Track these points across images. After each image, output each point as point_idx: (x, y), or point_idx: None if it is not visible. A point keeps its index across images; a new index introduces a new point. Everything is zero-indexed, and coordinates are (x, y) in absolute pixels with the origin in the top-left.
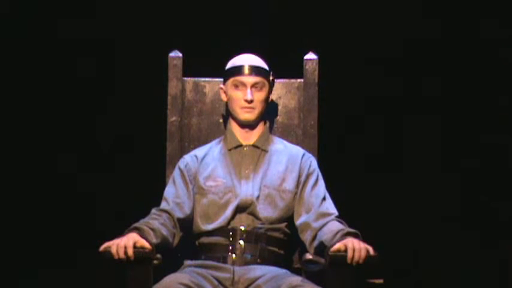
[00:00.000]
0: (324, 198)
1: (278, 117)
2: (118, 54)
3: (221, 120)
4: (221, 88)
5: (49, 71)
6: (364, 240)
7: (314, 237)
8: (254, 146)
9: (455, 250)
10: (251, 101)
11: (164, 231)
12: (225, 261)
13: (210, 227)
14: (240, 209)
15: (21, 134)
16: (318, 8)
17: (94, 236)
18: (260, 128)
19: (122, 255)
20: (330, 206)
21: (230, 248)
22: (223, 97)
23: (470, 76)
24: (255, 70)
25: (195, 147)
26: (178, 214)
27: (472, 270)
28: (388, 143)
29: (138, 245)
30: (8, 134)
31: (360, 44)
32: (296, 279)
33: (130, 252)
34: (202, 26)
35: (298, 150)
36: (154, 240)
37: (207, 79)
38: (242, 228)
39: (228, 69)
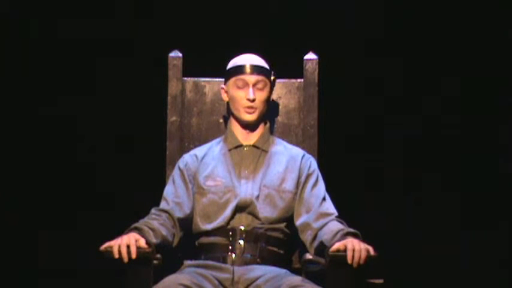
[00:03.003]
0: (323, 199)
1: (278, 117)
2: (118, 54)
3: (221, 120)
4: (222, 88)
5: (49, 70)
6: (364, 240)
7: (314, 238)
8: (254, 146)
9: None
10: (253, 100)
11: (164, 231)
12: (224, 261)
13: (209, 226)
14: (240, 208)
15: (22, 135)
16: (318, 8)
17: (94, 236)
18: (261, 129)
19: (124, 254)
20: (329, 206)
21: (230, 247)
22: (225, 97)
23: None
24: (257, 69)
25: (195, 147)
26: (178, 214)
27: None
28: (388, 142)
29: (138, 244)
30: (7, 134)
31: (360, 44)
32: (296, 279)
33: (133, 250)
34: (202, 26)
35: (298, 151)
36: (154, 240)
37: (207, 79)
38: (242, 228)
39: (229, 69)
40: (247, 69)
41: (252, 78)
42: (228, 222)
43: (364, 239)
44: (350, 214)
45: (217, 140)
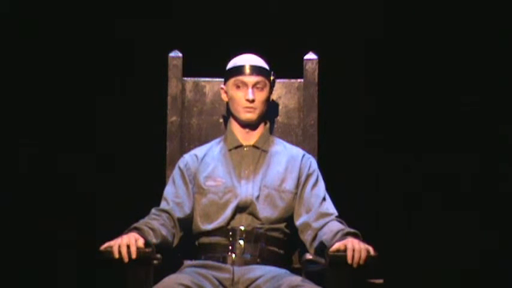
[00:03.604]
0: (323, 199)
1: (278, 117)
2: (118, 54)
3: (221, 120)
4: (222, 88)
5: (48, 70)
6: (364, 240)
7: (314, 237)
8: (254, 146)
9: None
10: (252, 101)
11: (164, 231)
12: (224, 261)
13: (209, 226)
14: (240, 209)
15: (22, 132)
16: (318, 8)
17: (94, 236)
18: (261, 129)
19: (124, 254)
20: (329, 206)
21: (230, 248)
22: (224, 97)
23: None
24: (256, 70)
25: (195, 147)
26: (178, 214)
27: None
28: (388, 141)
29: (138, 244)
30: (7, 133)
31: (360, 44)
32: (296, 279)
33: (133, 250)
34: (202, 26)
35: (298, 151)
36: (154, 240)
37: (207, 79)
38: (242, 228)
39: (229, 69)
40: (247, 70)
41: (251, 79)
42: (228, 223)
43: (364, 239)
44: (350, 214)
45: (217, 140)
